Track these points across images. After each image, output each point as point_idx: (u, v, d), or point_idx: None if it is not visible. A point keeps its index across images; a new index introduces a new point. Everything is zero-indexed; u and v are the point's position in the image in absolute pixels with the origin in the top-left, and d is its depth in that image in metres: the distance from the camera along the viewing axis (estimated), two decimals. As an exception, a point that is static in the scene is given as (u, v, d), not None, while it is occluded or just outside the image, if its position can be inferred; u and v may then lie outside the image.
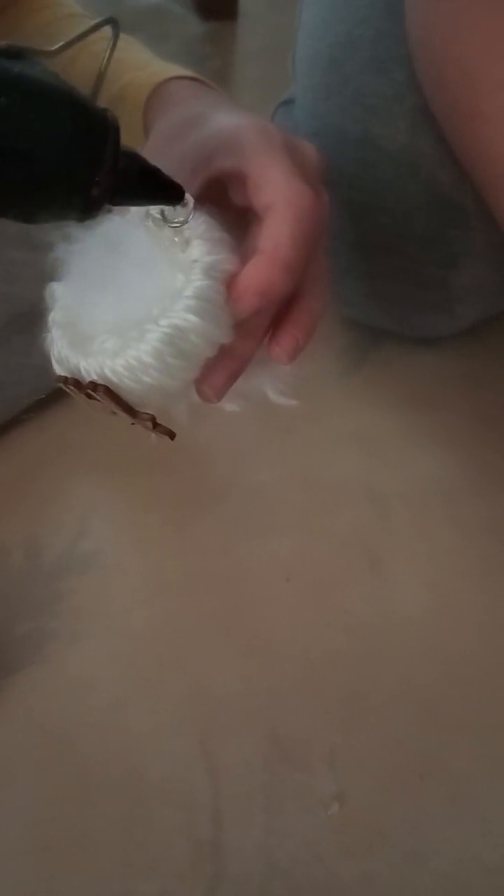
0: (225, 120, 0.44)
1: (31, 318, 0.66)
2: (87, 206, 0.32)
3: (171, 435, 0.40)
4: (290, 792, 0.48)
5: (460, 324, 0.70)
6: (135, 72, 0.55)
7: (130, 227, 0.40)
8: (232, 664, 0.53)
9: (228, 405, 0.44)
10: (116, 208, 0.39)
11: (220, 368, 0.39)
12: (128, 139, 0.56)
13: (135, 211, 0.40)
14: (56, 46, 0.34)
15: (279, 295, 0.39)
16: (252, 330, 0.40)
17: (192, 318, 0.37)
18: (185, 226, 0.39)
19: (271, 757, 0.49)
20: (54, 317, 0.40)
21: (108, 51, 0.38)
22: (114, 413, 0.40)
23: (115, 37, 0.38)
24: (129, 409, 0.39)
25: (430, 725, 0.51)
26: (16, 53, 0.31)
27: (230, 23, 1.21)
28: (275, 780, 0.49)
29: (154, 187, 0.35)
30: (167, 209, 0.39)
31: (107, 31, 0.56)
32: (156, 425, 0.40)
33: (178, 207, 0.39)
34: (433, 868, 0.46)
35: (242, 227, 0.41)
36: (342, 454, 0.67)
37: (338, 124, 0.62)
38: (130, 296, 0.38)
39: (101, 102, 0.56)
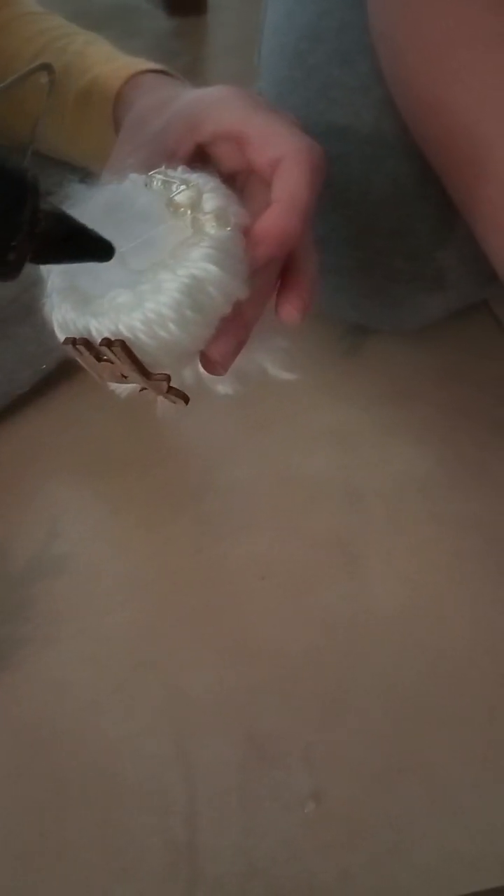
0: (204, 92, 0.44)
1: (2, 316, 0.65)
2: (3, 273, 0.31)
3: (186, 399, 0.39)
4: (266, 791, 0.48)
5: (431, 317, 0.69)
6: (103, 66, 0.55)
7: (132, 189, 0.40)
8: (208, 665, 0.53)
9: (221, 387, 0.44)
10: (118, 177, 0.39)
11: (228, 333, 0.39)
12: (96, 132, 0.56)
13: (133, 177, 0.40)
14: None
15: (295, 243, 0.39)
16: (260, 289, 0.40)
17: (211, 267, 0.36)
18: (192, 184, 0.39)
19: (248, 756, 0.49)
20: (53, 282, 0.39)
21: (46, 95, 0.37)
22: (124, 377, 0.39)
23: (51, 83, 0.38)
24: (143, 370, 0.37)
25: (409, 721, 0.51)
26: None
27: (200, 18, 1.20)
28: (251, 780, 0.48)
29: (80, 246, 0.34)
30: (170, 173, 0.39)
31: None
32: (170, 388, 0.39)
33: (180, 170, 0.39)
34: (413, 863, 0.46)
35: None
36: (318, 451, 0.67)
37: (303, 118, 0.61)
38: (137, 252, 0.37)
39: (68, 97, 0.56)
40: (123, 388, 0.42)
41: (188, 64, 1.09)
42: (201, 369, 0.41)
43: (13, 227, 0.30)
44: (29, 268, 0.67)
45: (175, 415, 0.42)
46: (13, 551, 0.58)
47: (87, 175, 0.42)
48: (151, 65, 0.55)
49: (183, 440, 0.67)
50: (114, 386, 0.42)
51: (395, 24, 0.53)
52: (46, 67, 0.41)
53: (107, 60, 0.56)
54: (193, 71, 1.13)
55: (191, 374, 0.42)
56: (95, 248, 0.35)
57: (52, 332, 0.67)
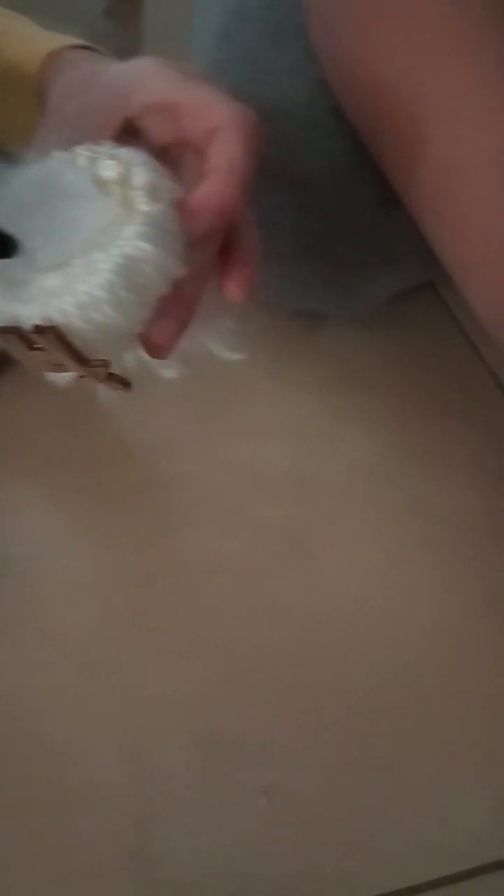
0: (131, 64, 0.43)
1: None
2: None
3: (128, 385, 0.38)
4: (221, 789, 0.47)
5: (377, 301, 0.69)
6: (21, 44, 0.53)
7: (58, 167, 0.38)
8: (159, 663, 0.52)
9: (167, 371, 0.42)
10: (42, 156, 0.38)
11: (170, 315, 0.38)
12: (19, 115, 0.54)
13: (58, 155, 0.38)
14: None
15: (235, 214, 0.38)
16: (200, 265, 0.38)
17: (145, 245, 0.35)
18: (120, 159, 0.37)
19: (201, 755, 0.48)
20: None
21: None
22: (60, 366, 0.37)
23: None
24: (80, 357, 0.36)
25: (367, 714, 0.51)
26: None
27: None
28: (206, 779, 0.47)
29: None
30: (96, 148, 0.38)
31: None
32: (110, 374, 0.37)
33: (105, 146, 0.38)
34: (376, 854, 0.46)
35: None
36: (266, 441, 0.66)
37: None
38: (67, 232, 0.36)
39: None
40: (61, 378, 0.40)
41: (121, 46, 1.06)
42: (143, 353, 0.40)
43: None
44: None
45: (117, 402, 0.40)
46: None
47: (9, 156, 0.41)
48: (72, 40, 0.53)
49: (125, 434, 0.65)
50: (51, 376, 0.40)
51: (330, 1, 0.52)
52: None
53: (28, 38, 0.54)
54: (127, 53, 1.10)
55: (132, 359, 0.40)
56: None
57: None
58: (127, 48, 1.04)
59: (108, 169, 0.37)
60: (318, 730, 0.50)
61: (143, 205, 0.36)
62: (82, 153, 0.38)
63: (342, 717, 0.50)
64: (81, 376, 0.38)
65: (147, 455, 0.64)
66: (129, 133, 0.41)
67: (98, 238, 0.35)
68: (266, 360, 0.71)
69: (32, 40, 0.53)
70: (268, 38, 0.58)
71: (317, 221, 0.61)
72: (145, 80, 0.41)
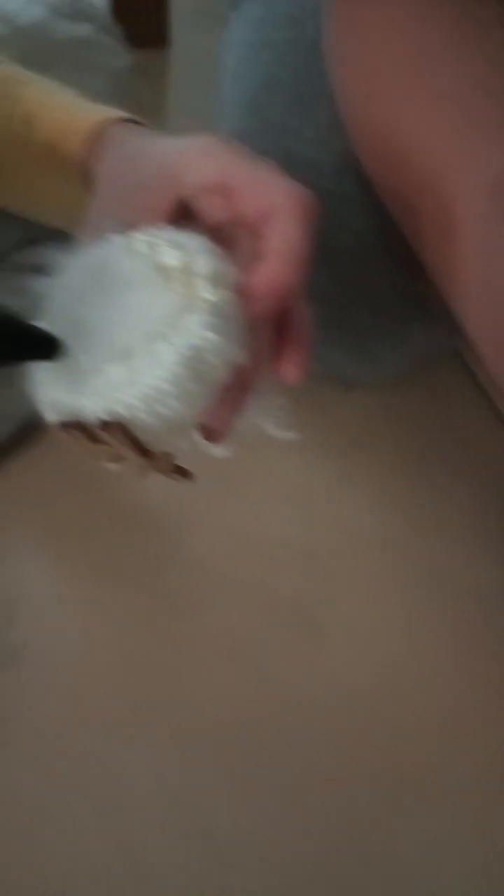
0: (182, 141, 0.42)
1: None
2: None
3: (189, 475, 0.37)
4: (223, 894, 0.44)
5: (398, 369, 0.67)
6: (67, 116, 0.52)
7: (115, 253, 0.37)
8: (167, 759, 0.49)
9: (218, 450, 0.41)
10: (97, 239, 0.37)
11: (228, 399, 0.36)
12: (61, 188, 0.53)
13: (115, 239, 0.37)
14: None
15: (292, 295, 0.37)
16: (258, 349, 0.37)
17: (210, 335, 0.34)
18: (181, 245, 0.36)
19: (205, 857, 0.46)
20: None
21: None
22: (121, 458, 0.36)
23: None
24: (143, 450, 0.35)
25: (373, 808, 0.48)
26: None
27: (161, 52, 1.18)
28: (206, 883, 0.45)
29: (26, 346, 0.32)
30: (155, 233, 0.37)
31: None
32: (174, 466, 0.36)
33: (164, 230, 0.37)
34: None
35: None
36: (277, 510, 0.64)
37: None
38: (129, 321, 0.35)
39: (29, 150, 0.53)
40: (114, 466, 0.39)
41: (149, 100, 1.06)
42: (195, 435, 0.39)
43: None
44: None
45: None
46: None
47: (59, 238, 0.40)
48: (118, 112, 0.52)
49: (137, 504, 0.64)
50: (107, 465, 0.39)
51: (356, 73, 0.51)
52: None
53: (70, 110, 0.53)
54: (154, 107, 1.11)
55: (184, 442, 0.39)
56: (41, 348, 0.33)
57: (8, 398, 0.65)
58: (153, 103, 1.05)
59: (170, 256, 0.36)
60: (322, 829, 0.47)
61: (208, 293, 0.35)
62: (140, 238, 0.37)
63: (348, 816, 0.48)
64: (142, 468, 0.36)
65: (160, 528, 0.62)
66: (181, 212, 0.40)
67: (162, 328, 0.34)
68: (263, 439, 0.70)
69: (73, 112, 0.52)
70: (296, 109, 0.57)
71: (341, 292, 0.59)
72: (198, 158, 0.40)
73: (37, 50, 1.02)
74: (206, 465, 0.64)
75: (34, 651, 0.54)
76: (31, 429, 0.66)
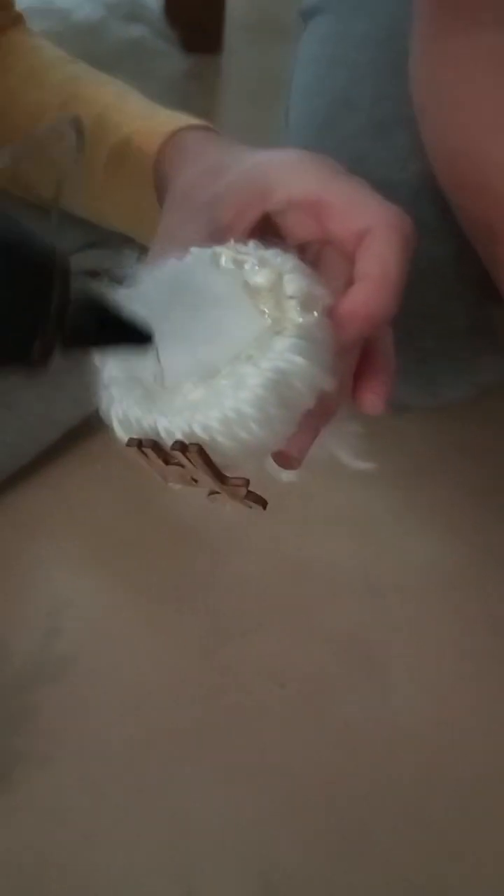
0: (272, 155, 0.40)
1: (0, 390, 0.61)
2: (28, 365, 0.28)
3: (264, 504, 0.35)
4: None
5: (460, 396, 0.66)
6: (140, 121, 0.51)
7: (198, 268, 0.35)
8: (217, 790, 0.48)
9: (286, 475, 0.39)
10: (176, 251, 0.35)
11: (308, 424, 0.34)
12: (132, 193, 0.52)
13: (197, 252, 0.36)
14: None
15: (384, 323, 0.36)
16: (343, 376, 0.35)
17: (298, 359, 0.32)
18: (270, 264, 0.34)
19: (261, 898, 0.45)
20: (110, 372, 0.34)
21: (70, 155, 0.33)
22: (194, 481, 0.34)
23: (80, 139, 0.34)
24: (219, 474, 0.33)
25: (435, 859, 0.47)
26: None
27: (214, 58, 1.17)
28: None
29: (116, 335, 0.30)
30: (241, 248, 0.35)
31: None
32: (249, 493, 0.34)
33: (251, 246, 0.35)
34: None
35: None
36: (333, 538, 0.63)
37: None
38: (211, 340, 0.33)
39: (100, 153, 0.52)
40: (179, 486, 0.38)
41: (204, 107, 1.05)
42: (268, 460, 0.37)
43: (38, 316, 0.27)
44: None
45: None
46: (11, 650, 0.53)
47: (120, 242, 0.38)
48: (194, 120, 0.51)
49: (190, 523, 0.62)
50: (173, 485, 0.37)
51: (440, 100, 0.50)
52: (74, 120, 0.37)
53: (144, 115, 0.52)
54: (209, 113, 1.10)
55: (263, 470, 0.38)
56: (133, 337, 0.31)
57: (61, 403, 0.64)
58: (205, 109, 1.04)
59: (259, 275, 0.34)
60: (383, 876, 0.46)
61: (297, 315, 0.33)
62: (226, 252, 0.35)
63: (408, 863, 0.46)
64: (213, 492, 0.35)
65: (210, 548, 0.61)
66: (266, 227, 0.39)
67: (247, 349, 0.32)
68: (335, 467, 0.68)
69: (151, 115, 0.51)
70: (371, 130, 0.56)
71: (409, 318, 0.58)
72: (287, 174, 0.38)
73: (91, 49, 1.01)
74: (258, 484, 0.64)
75: (81, 664, 0.53)
76: (77, 436, 0.65)
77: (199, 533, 0.62)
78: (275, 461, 0.35)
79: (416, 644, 0.56)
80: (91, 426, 0.65)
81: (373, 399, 0.38)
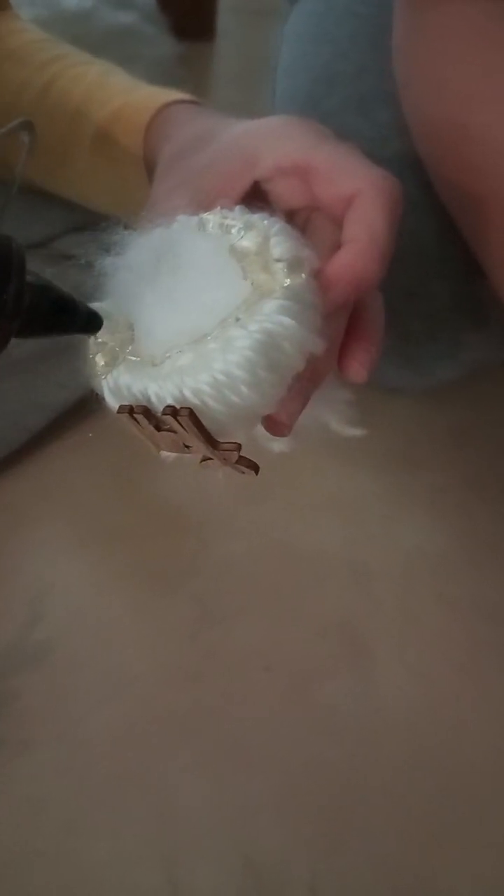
0: (259, 122, 0.40)
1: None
2: None
3: (256, 468, 0.35)
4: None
5: (446, 379, 0.65)
6: (127, 95, 0.51)
7: (185, 234, 0.35)
8: (199, 775, 0.48)
9: (277, 445, 0.39)
10: (164, 219, 0.35)
11: (298, 389, 0.34)
12: (120, 167, 0.51)
13: (184, 220, 0.36)
14: None
15: (370, 287, 0.35)
16: (331, 340, 0.35)
17: (286, 320, 0.32)
18: (256, 227, 0.34)
19: (245, 885, 0.44)
20: (99, 341, 0.34)
21: (23, 156, 0.33)
22: (186, 447, 0.34)
23: (31, 142, 0.34)
24: (210, 439, 0.33)
25: (422, 843, 0.46)
26: None
27: (205, 44, 1.16)
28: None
29: (69, 319, 0.31)
30: (227, 213, 0.35)
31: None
32: (241, 458, 0.34)
33: (237, 211, 0.35)
34: None
35: None
36: (321, 522, 0.62)
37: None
38: (199, 305, 0.33)
39: (86, 130, 0.52)
40: (168, 456, 0.37)
41: (195, 92, 1.04)
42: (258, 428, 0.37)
43: None
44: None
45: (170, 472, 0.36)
46: (-9, 636, 0.53)
47: (103, 225, 0.38)
48: (181, 94, 0.50)
49: (175, 507, 0.62)
50: (165, 454, 0.37)
51: (423, 73, 0.49)
52: (26, 126, 0.37)
53: (130, 90, 0.51)
54: (199, 99, 1.09)
55: (247, 432, 0.37)
56: (83, 319, 0.32)
57: (46, 389, 0.63)
58: (198, 94, 1.03)
59: (246, 238, 0.34)
60: (367, 861, 0.45)
61: (284, 277, 0.33)
62: (211, 218, 0.35)
63: (394, 849, 0.46)
64: (205, 459, 0.34)
65: (196, 532, 0.60)
66: (254, 194, 0.38)
67: (235, 312, 0.32)
68: (325, 435, 0.68)
69: (136, 90, 0.51)
70: (355, 106, 0.55)
71: (394, 298, 0.57)
72: (275, 140, 0.38)
73: (81, 36, 1.01)
74: (229, 473, 0.64)
75: (63, 650, 0.52)
76: (62, 422, 0.65)
77: (184, 517, 0.61)
78: (265, 428, 0.35)
79: (402, 629, 0.56)
80: (77, 412, 0.64)
81: (356, 366, 0.37)
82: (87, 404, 0.63)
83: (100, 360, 0.34)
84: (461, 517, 0.63)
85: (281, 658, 0.53)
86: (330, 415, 0.41)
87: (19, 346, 0.62)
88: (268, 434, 0.36)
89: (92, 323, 0.32)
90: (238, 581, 0.58)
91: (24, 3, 1.06)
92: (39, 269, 0.66)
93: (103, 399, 0.35)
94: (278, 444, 0.39)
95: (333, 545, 0.60)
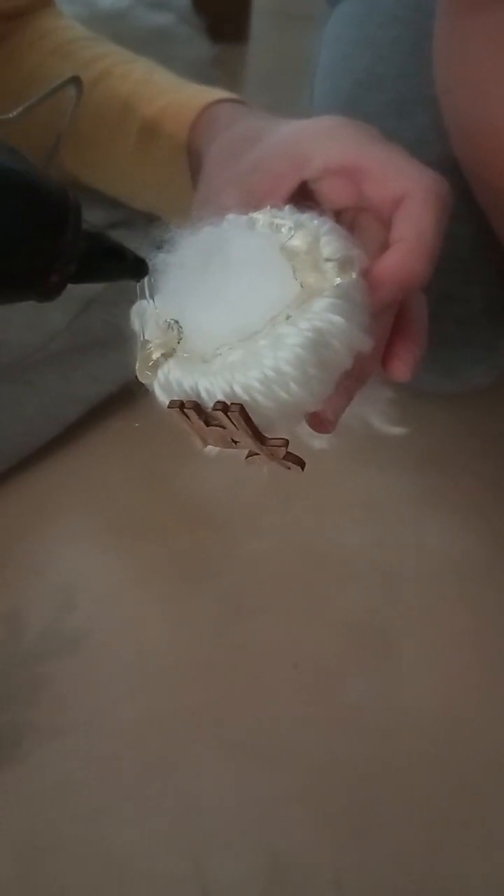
0: (308, 122, 0.40)
1: (22, 367, 0.61)
2: (44, 293, 0.30)
3: (302, 464, 0.35)
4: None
5: (479, 383, 0.65)
6: (173, 94, 0.51)
7: (235, 233, 0.36)
8: (227, 767, 0.48)
9: (318, 441, 0.39)
10: (213, 217, 0.36)
11: (344, 386, 0.34)
12: (165, 164, 0.52)
13: (233, 218, 0.36)
14: (14, 113, 0.32)
15: (417, 287, 0.36)
16: (378, 339, 0.36)
17: (336, 319, 0.32)
18: (306, 227, 0.35)
19: (272, 878, 0.44)
20: (151, 335, 0.35)
21: (72, 109, 0.34)
22: (234, 442, 0.34)
23: (78, 96, 0.35)
24: (259, 435, 0.33)
25: (445, 839, 0.46)
26: None
27: (238, 46, 1.17)
28: (271, 906, 0.44)
29: (119, 265, 0.33)
30: (277, 213, 0.36)
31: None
32: (287, 453, 0.34)
33: (287, 210, 0.35)
34: None
35: None
36: (348, 523, 0.62)
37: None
38: (249, 302, 0.33)
39: (131, 128, 0.52)
40: (211, 450, 0.38)
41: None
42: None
43: (56, 253, 0.29)
44: (60, 313, 0.62)
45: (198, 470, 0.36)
46: (25, 622, 0.53)
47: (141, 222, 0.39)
48: (226, 93, 0.50)
49: (207, 503, 0.62)
50: (209, 449, 0.37)
51: (463, 81, 0.49)
52: (75, 80, 0.37)
53: (176, 88, 0.52)
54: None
55: (294, 428, 0.38)
56: (133, 265, 0.33)
57: (80, 382, 0.64)
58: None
59: (296, 238, 0.34)
60: (390, 857, 0.45)
61: (335, 276, 0.33)
62: (261, 217, 0.36)
63: (417, 846, 0.46)
64: (252, 454, 0.35)
65: (226, 528, 0.61)
66: (300, 194, 0.39)
67: (285, 310, 0.33)
68: (353, 438, 0.68)
69: (183, 88, 0.51)
70: (395, 109, 0.55)
71: (430, 301, 0.57)
72: (324, 141, 0.38)
73: (115, 36, 1.02)
74: (274, 469, 0.64)
75: (94, 639, 0.53)
76: (95, 415, 0.65)
77: (214, 514, 0.62)
78: (310, 424, 0.35)
79: (428, 630, 0.56)
80: (110, 405, 0.65)
81: (399, 365, 0.37)
82: (120, 399, 0.65)
83: (154, 354, 0.35)
84: (488, 521, 0.63)
85: (307, 656, 0.54)
86: (372, 413, 0.41)
87: (56, 340, 0.64)
88: (310, 430, 0.36)
89: (140, 269, 0.33)
90: (265, 578, 0.58)
91: (64, 2, 1.07)
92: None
93: (152, 393, 0.35)
94: (319, 441, 0.39)
95: (360, 545, 0.61)
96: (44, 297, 0.30)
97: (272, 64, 1.15)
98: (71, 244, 0.29)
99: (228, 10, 1.21)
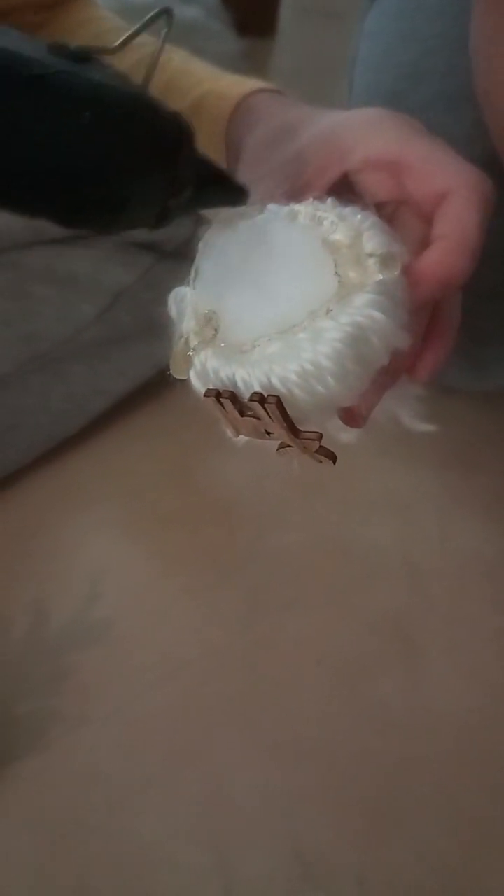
0: (351, 114, 0.40)
1: (51, 358, 0.61)
2: (162, 216, 0.31)
3: (334, 458, 0.34)
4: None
5: (495, 382, 0.65)
6: (212, 82, 0.51)
7: (277, 223, 0.35)
8: (251, 761, 0.48)
9: (346, 435, 0.38)
10: (252, 208, 0.36)
11: (379, 382, 0.34)
12: (206, 150, 0.51)
13: (274, 209, 0.36)
14: (117, 43, 0.32)
15: (458, 286, 0.35)
16: (415, 337, 0.35)
17: (377, 315, 0.32)
18: (349, 221, 0.34)
19: (294, 875, 0.44)
20: (189, 325, 0.34)
21: (162, 38, 0.34)
22: (267, 433, 0.34)
23: (170, 26, 0.35)
24: (293, 427, 0.33)
25: (467, 839, 0.46)
26: (84, 56, 0.29)
27: (267, 41, 1.17)
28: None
29: (224, 191, 0.33)
30: (319, 205, 0.35)
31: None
32: (321, 447, 0.34)
33: (329, 203, 0.35)
34: None
35: None
36: (376, 519, 0.62)
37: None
38: (289, 295, 0.33)
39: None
40: (241, 439, 0.37)
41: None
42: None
43: (175, 176, 0.30)
44: (89, 305, 0.61)
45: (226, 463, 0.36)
46: (51, 612, 0.53)
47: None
48: (263, 84, 0.50)
49: (232, 496, 0.62)
50: (241, 438, 0.36)
51: (497, 84, 0.49)
52: (167, 11, 0.37)
53: (214, 78, 0.51)
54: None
55: (328, 421, 0.37)
56: (237, 191, 0.34)
57: (108, 375, 0.64)
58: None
59: (338, 231, 0.34)
60: (413, 855, 0.45)
61: (376, 272, 0.33)
62: (304, 210, 0.35)
63: (441, 845, 0.45)
64: (284, 446, 0.35)
65: (253, 522, 0.60)
66: (340, 185, 0.38)
67: (325, 304, 0.32)
68: (377, 433, 0.67)
69: (221, 77, 0.51)
70: (442, 104, 0.55)
71: (468, 298, 0.57)
72: (367, 133, 0.37)
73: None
74: (302, 464, 0.64)
75: (120, 630, 0.53)
76: (123, 408, 0.65)
77: (240, 508, 0.61)
78: (341, 419, 0.35)
79: (454, 628, 0.55)
80: (137, 398, 0.65)
81: (422, 368, 0.37)
82: (147, 393, 0.64)
83: (193, 341, 0.34)
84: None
85: (332, 652, 0.53)
86: (401, 409, 0.41)
87: (85, 332, 0.63)
88: (341, 424, 0.36)
89: (240, 196, 0.34)
90: (291, 573, 0.58)
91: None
92: (110, 254, 0.66)
93: (182, 385, 0.35)
94: (347, 435, 0.39)
95: (387, 542, 0.60)
96: (159, 222, 0.30)
97: (299, 59, 1.15)
98: (188, 166, 0.30)
99: (256, 5, 1.21)
